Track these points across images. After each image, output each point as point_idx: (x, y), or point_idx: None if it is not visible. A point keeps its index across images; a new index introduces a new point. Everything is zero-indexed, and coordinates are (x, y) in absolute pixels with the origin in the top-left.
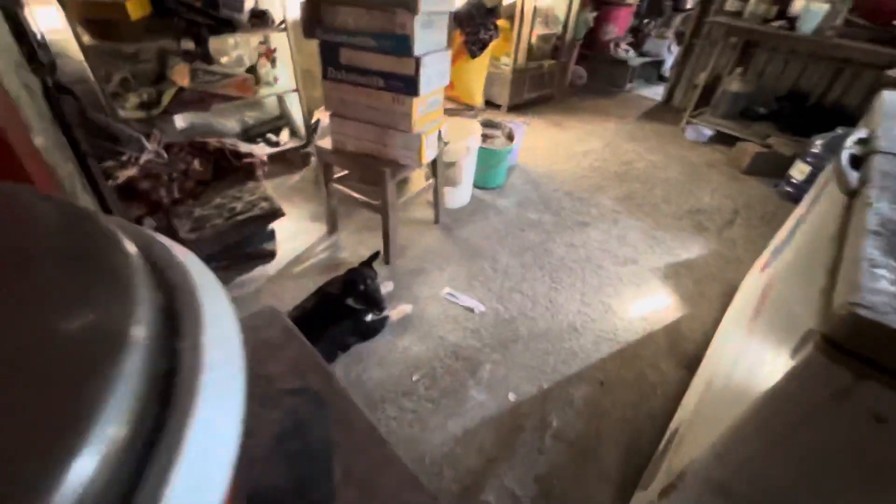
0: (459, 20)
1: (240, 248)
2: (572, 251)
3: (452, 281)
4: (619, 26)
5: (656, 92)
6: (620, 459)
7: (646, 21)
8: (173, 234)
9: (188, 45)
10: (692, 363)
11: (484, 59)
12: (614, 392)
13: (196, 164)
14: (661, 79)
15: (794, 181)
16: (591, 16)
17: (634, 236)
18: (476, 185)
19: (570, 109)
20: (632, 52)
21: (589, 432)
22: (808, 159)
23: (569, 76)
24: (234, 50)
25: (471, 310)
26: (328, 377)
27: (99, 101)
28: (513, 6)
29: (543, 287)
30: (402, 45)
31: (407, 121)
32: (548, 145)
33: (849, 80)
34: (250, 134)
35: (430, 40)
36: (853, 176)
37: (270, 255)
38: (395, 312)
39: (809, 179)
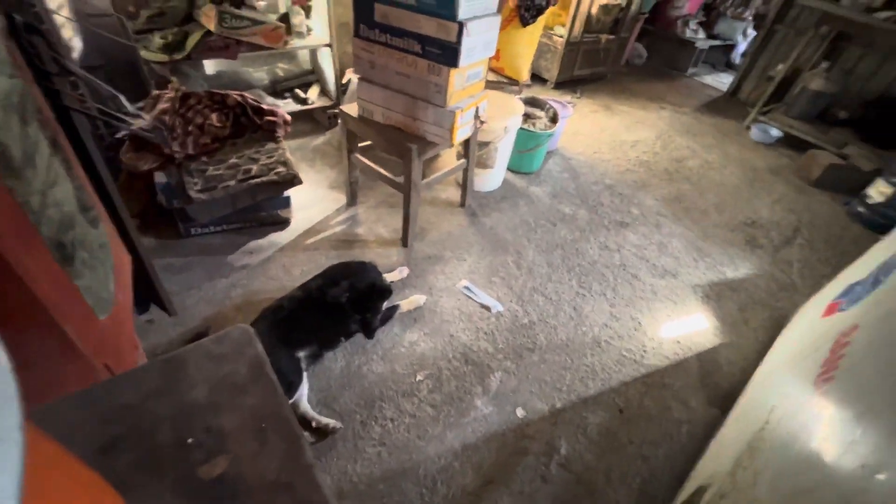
0: None
1: (253, 213)
2: (606, 254)
3: (472, 274)
4: (692, 1)
5: (722, 81)
6: None
7: None
8: (183, 192)
9: None
10: (725, 402)
11: (537, 28)
12: (634, 424)
13: (214, 118)
14: (730, 66)
15: (871, 202)
16: None
17: (677, 245)
18: (510, 168)
19: (622, 91)
20: (701, 33)
21: (600, 466)
22: (893, 179)
23: (626, 54)
24: None
25: (487, 308)
26: (294, 442)
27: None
28: None
29: (569, 292)
30: (444, 4)
31: (441, 94)
32: (593, 130)
33: None
34: (278, 88)
35: (478, 2)
36: None
37: (284, 223)
38: (406, 302)
39: (891, 203)
